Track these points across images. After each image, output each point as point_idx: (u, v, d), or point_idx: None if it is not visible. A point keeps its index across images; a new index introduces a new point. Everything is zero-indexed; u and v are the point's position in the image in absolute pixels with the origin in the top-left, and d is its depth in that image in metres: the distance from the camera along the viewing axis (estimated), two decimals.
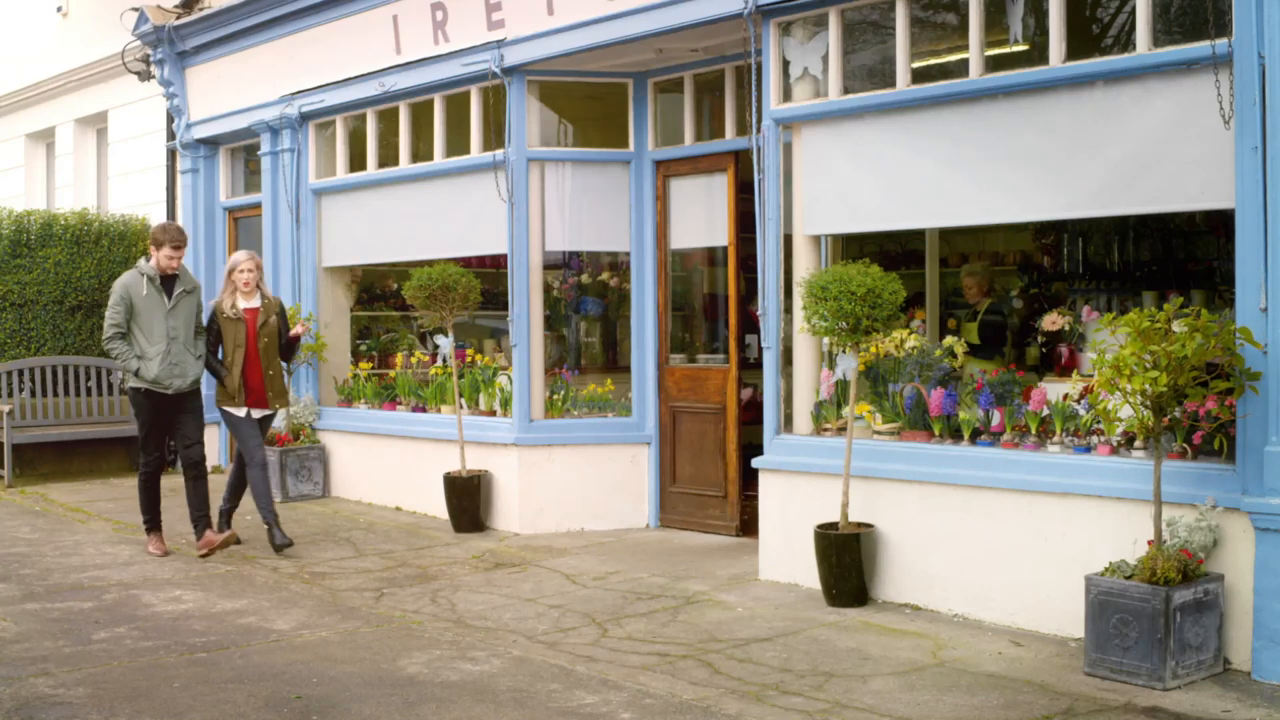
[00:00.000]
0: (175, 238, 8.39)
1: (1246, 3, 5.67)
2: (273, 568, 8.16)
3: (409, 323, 12.10)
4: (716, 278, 9.75)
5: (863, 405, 7.45)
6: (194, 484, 8.50)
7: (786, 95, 7.81)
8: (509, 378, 9.78)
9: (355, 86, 10.79)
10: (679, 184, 9.47)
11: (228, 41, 12.01)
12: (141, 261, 8.59)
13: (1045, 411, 6.67)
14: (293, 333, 8.86)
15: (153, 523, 8.66)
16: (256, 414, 8.64)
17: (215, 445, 12.44)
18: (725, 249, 9.18)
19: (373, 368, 11.33)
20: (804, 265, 7.72)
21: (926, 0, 7.34)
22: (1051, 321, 8.00)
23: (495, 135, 9.80)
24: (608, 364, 10.43)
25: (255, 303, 8.65)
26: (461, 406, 9.91)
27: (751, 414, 8.93)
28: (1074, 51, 6.48)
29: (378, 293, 12.17)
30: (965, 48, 6.91)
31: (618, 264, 10.09)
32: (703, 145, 9.26)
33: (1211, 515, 5.74)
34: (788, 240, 7.84)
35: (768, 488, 7.78)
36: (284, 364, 8.94)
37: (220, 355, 8.65)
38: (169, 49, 12.57)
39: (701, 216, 9.32)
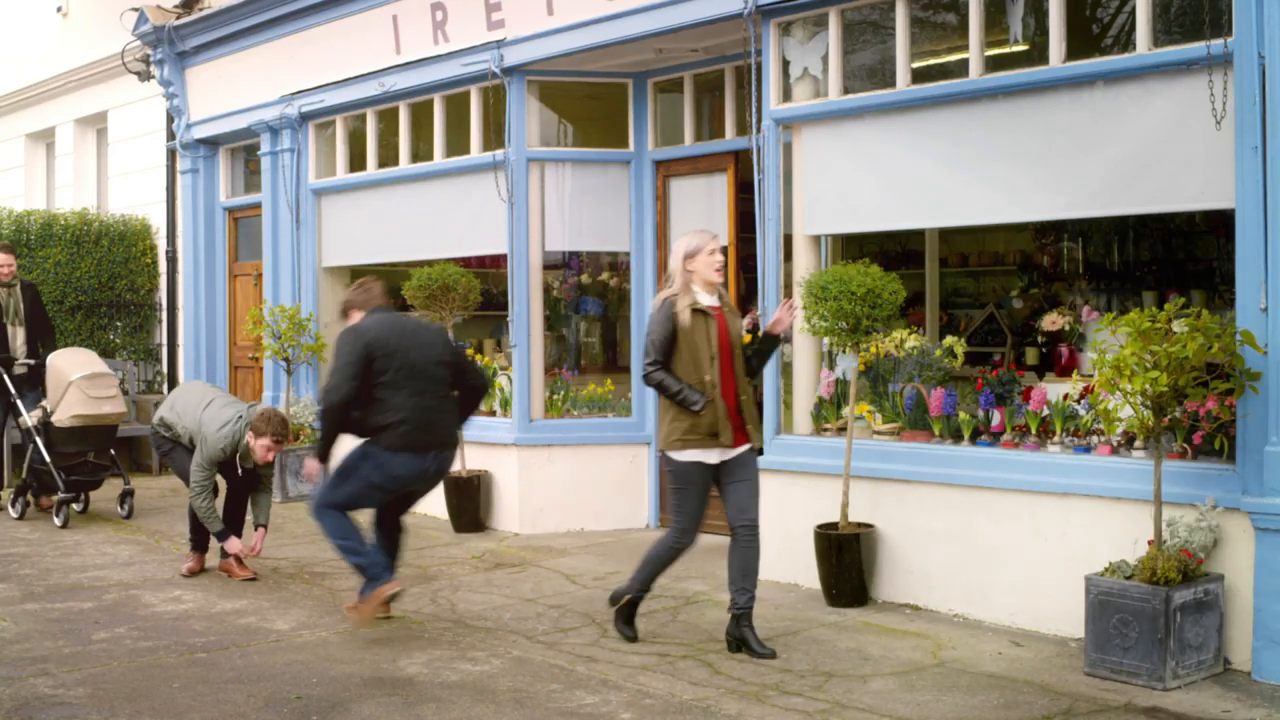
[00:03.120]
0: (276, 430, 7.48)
1: (1246, 3, 5.67)
2: (273, 568, 8.16)
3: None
4: None
5: (863, 405, 7.45)
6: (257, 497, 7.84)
7: (786, 95, 7.81)
8: (509, 378, 9.78)
9: (355, 86, 10.79)
10: (679, 184, 9.47)
11: (227, 41, 12.01)
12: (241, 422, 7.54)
13: (1045, 411, 6.67)
14: (775, 325, 6.15)
15: (198, 543, 7.95)
16: (716, 458, 5.99)
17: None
18: (725, 249, 9.15)
19: None
20: (804, 265, 7.72)
21: (926, 0, 7.34)
22: (1051, 321, 7.99)
23: (495, 135, 9.79)
24: (608, 364, 10.43)
25: (716, 300, 6.09)
26: None
27: None
28: (1074, 51, 6.48)
29: None
30: (965, 48, 6.91)
31: (618, 264, 10.09)
32: (703, 145, 9.26)
33: (1211, 515, 5.74)
34: (788, 240, 7.84)
35: (767, 488, 7.74)
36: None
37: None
38: (169, 49, 12.57)
39: (701, 216, 9.31)
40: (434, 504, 9.89)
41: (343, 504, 6.49)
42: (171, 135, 13.17)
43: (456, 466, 9.48)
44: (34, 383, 10.26)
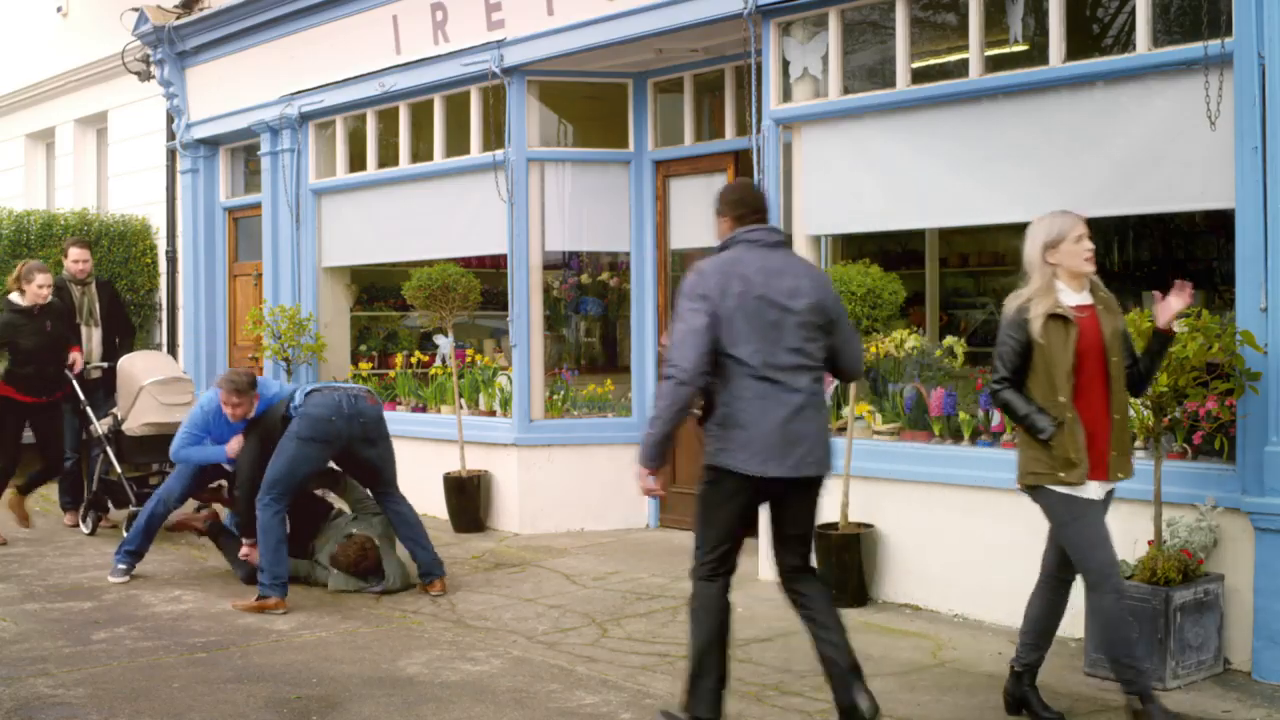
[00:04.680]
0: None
1: (1246, 3, 5.67)
2: None
3: (411, 326, 12.10)
4: None
5: (863, 405, 7.45)
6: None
7: (786, 95, 7.81)
8: (509, 378, 9.78)
9: (355, 86, 10.79)
10: (679, 184, 9.47)
11: (228, 41, 12.01)
12: None
13: None
14: (1163, 314, 5.02)
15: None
16: (1096, 491, 4.91)
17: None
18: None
19: (372, 368, 11.33)
20: None
21: (926, 0, 7.34)
22: None
23: (495, 135, 9.79)
24: (608, 364, 10.43)
25: (1086, 297, 5.00)
26: (461, 406, 9.90)
27: None
28: (1074, 51, 6.48)
29: (378, 292, 12.17)
30: (965, 48, 6.91)
31: (618, 264, 10.09)
32: (703, 145, 9.26)
33: (1211, 515, 5.74)
34: (788, 240, 7.84)
35: None
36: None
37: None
38: (169, 49, 12.57)
39: (701, 216, 9.29)
40: (434, 504, 9.90)
41: (287, 475, 7.02)
42: (171, 135, 13.16)
43: (456, 466, 9.56)
44: (111, 388, 9.61)
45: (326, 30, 10.93)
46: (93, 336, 9.81)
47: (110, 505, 9.43)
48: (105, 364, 9.78)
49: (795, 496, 4.75)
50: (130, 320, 10.57)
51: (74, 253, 9.86)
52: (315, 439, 7.10)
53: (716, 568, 4.75)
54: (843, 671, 4.72)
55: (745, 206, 4.83)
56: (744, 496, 4.67)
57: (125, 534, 8.51)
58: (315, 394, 7.25)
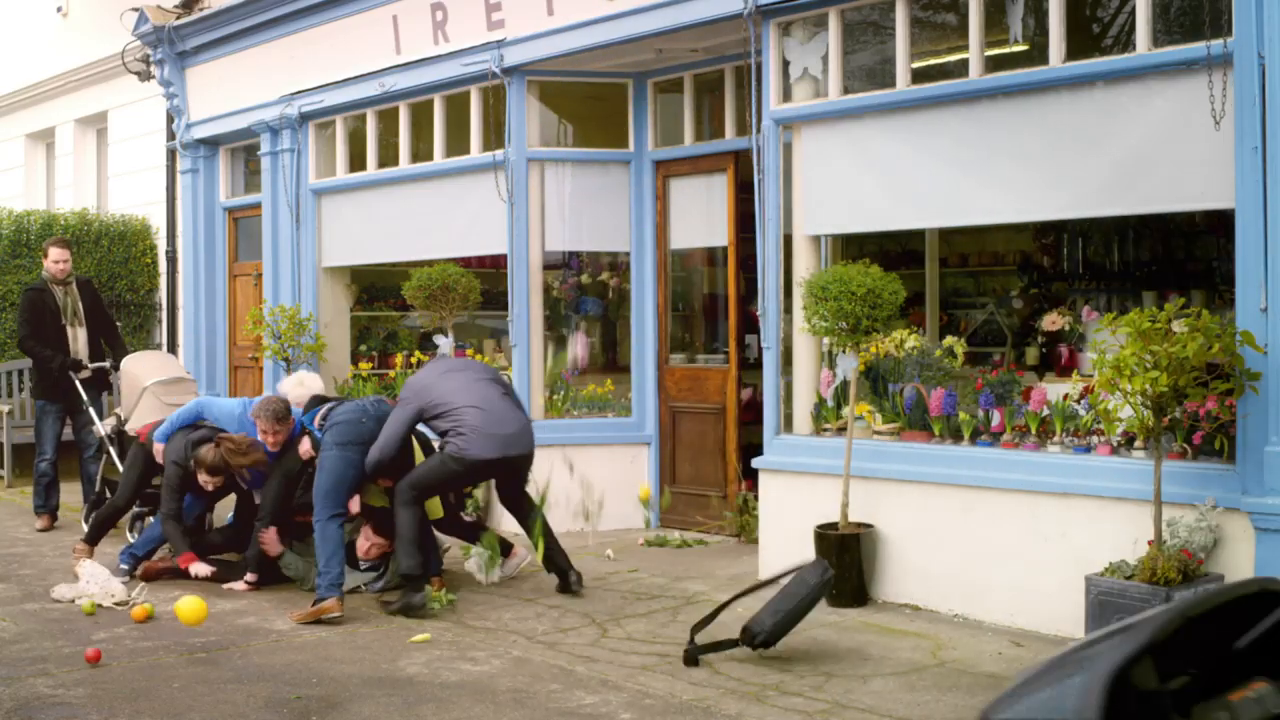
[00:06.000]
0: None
1: (1246, 3, 5.67)
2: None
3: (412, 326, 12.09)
4: (716, 278, 9.75)
5: (863, 405, 7.44)
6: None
7: (786, 95, 7.81)
8: (508, 378, 9.76)
9: (355, 86, 10.79)
10: (679, 184, 9.46)
11: (228, 41, 12.01)
12: None
13: (1045, 411, 6.67)
14: None
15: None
16: None
17: None
18: (725, 249, 9.17)
19: (372, 368, 11.32)
20: (804, 265, 7.72)
21: (926, 0, 7.34)
22: (1051, 321, 8.00)
23: (495, 135, 9.79)
24: (608, 364, 10.42)
25: None
26: None
27: (751, 414, 8.93)
28: (1074, 51, 6.48)
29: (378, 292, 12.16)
30: (965, 48, 6.91)
31: (618, 264, 10.09)
32: (702, 145, 9.25)
33: (1211, 515, 5.74)
34: (788, 240, 7.84)
35: (767, 488, 7.78)
36: None
37: None
38: (169, 49, 12.57)
39: (701, 216, 9.32)
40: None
41: (336, 485, 7.09)
42: (171, 135, 13.16)
43: None
44: (99, 387, 9.68)
45: (326, 30, 10.93)
46: (78, 337, 9.74)
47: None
48: (104, 364, 9.76)
49: (504, 471, 7.34)
50: (112, 319, 10.46)
51: (55, 252, 9.78)
52: (352, 442, 7.11)
53: (418, 500, 7.13)
54: (550, 554, 7.41)
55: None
56: (460, 470, 7.13)
57: (130, 536, 8.50)
58: (337, 406, 7.34)
